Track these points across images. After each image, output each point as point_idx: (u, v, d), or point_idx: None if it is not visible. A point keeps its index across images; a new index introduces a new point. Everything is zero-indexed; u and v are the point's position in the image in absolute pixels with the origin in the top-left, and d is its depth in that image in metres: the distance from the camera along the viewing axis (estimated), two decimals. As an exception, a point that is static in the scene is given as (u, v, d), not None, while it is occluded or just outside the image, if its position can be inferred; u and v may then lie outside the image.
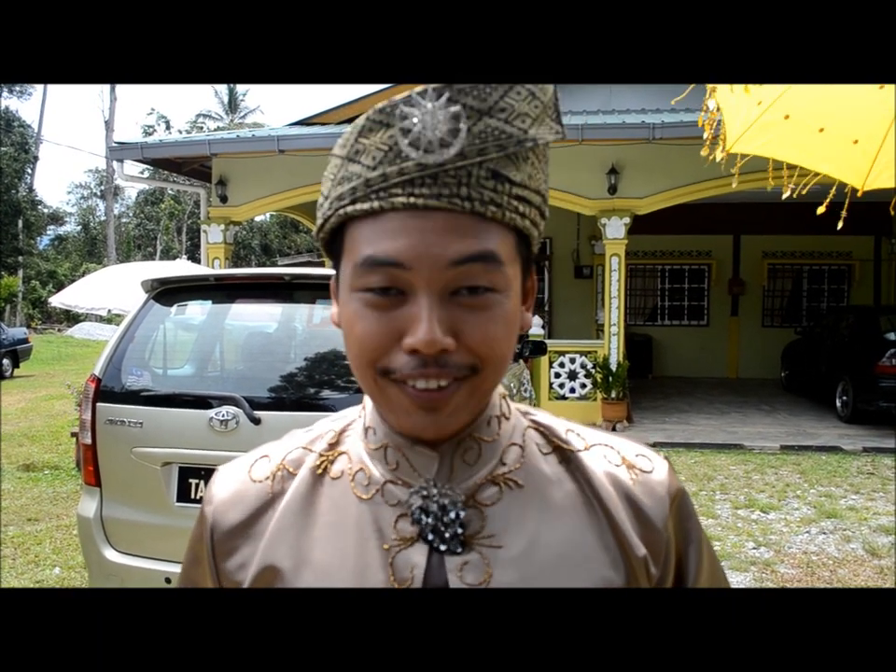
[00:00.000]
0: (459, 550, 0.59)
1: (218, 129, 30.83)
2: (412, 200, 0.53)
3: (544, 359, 8.05)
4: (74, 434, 6.19)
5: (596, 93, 10.00)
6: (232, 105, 35.63)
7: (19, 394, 11.49)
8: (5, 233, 26.01)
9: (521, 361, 5.12)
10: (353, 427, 0.66)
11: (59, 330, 25.73)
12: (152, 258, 31.20)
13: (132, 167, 9.97)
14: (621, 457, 0.65)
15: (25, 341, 14.49)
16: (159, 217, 33.26)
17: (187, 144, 9.08)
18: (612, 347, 8.13)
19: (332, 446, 0.66)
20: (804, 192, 2.02)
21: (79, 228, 37.11)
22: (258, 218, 27.39)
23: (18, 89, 28.83)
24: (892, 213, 1.96)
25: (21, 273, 28.06)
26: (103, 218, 34.42)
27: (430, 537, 0.59)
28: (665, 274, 12.53)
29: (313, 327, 2.96)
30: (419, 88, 0.53)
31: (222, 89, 35.55)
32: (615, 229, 8.09)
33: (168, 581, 2.64)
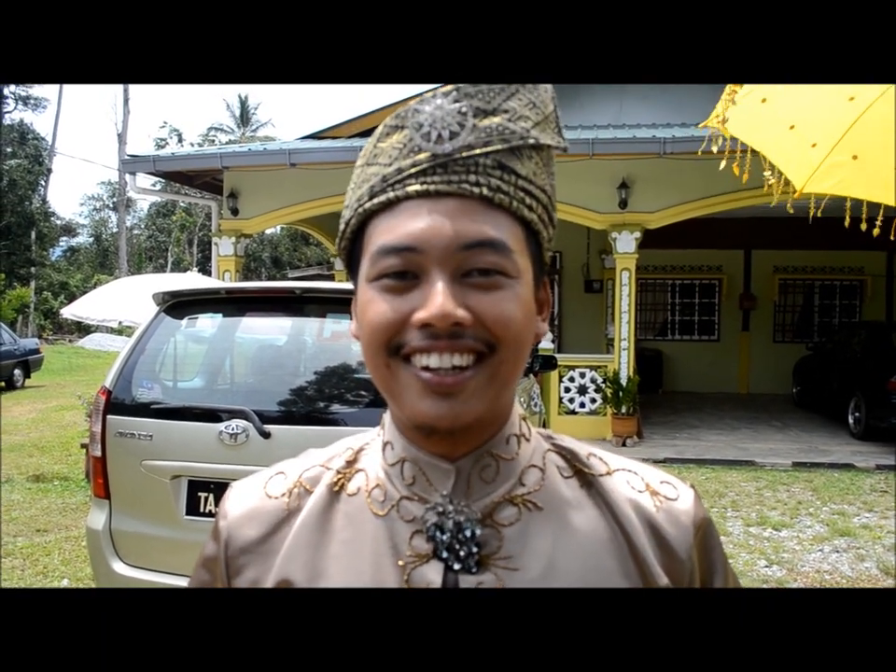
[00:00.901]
0: (474, 569, 0.59)
1: (230, 142, 31.15)
2: (424, 187, 0.56)
3: (554, 374, 8.02)
4: (84, 445, 6.21)
5: (607, 107, 10.04)
6: (244, 119, 36.01)
7: (30, 404, 11.55)
8: (18, 244, 26.29)
9: (531, 376, 5.11)
10: (371, 445, 0.67)
11: (70, 341, 25.92)
12: (163, 269, 31.46)
13: (144, 180, 10.06)
14: (645, 484, 0.64)
15: (37, 351, 14.59)
16: (170, 229, 33.58)
17: (199, 157, 9.16)
18: (622, 362, 8.10)
19: (350, 464, 0.66)
20: (818, 210, 2.03)
21: (91, 239, 37.54)
22: (268, 231, 27.56)
23: (32, 101, 29.26)
24: None
25: (33, 283, 28.33)
26: (115, 230, 34.77)
27: (445, 554, 0.59)
28: (676, 289, 12.50)
29: (323, 340, 2.97)
30: (430, 92, 0.56)
31: (234, 102, 35.97)
32: (626, 243, 8.08)
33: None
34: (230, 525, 0.66)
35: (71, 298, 23.80)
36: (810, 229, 11.21)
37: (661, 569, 0.61)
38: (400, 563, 0.59)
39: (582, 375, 8.35)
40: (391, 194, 0.57)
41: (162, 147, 30.87)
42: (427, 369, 0.55)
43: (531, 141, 0.58)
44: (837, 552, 4.66)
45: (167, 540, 2.73)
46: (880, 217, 1.84)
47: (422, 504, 0.61)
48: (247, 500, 0.66)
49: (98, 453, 2.81)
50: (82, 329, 26.40)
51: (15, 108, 28.63)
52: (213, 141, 33.39)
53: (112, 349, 19.34)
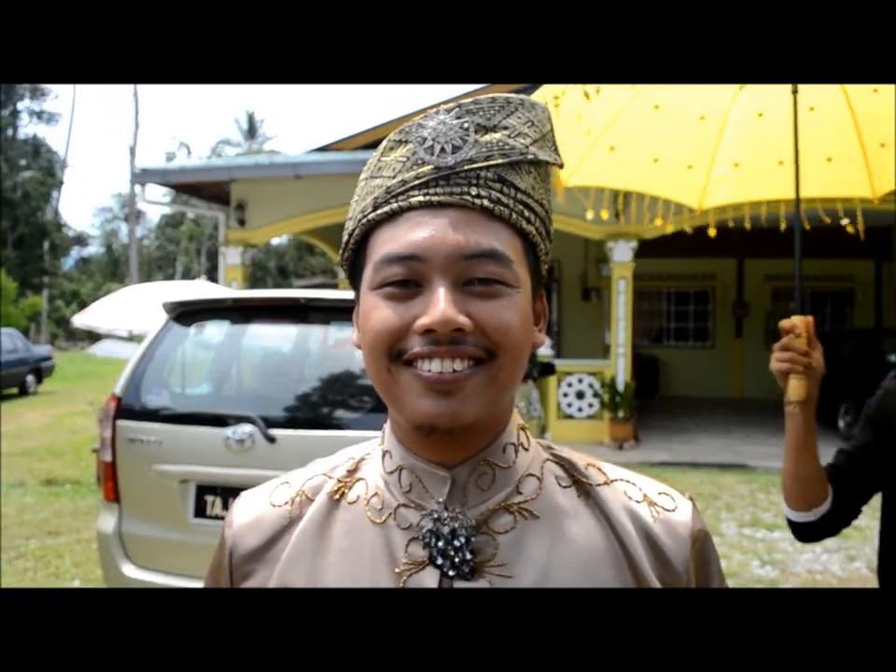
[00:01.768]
0: (469, 576, 0.59)
1: (237, 155, 31.41)
2: (427, 198, 0.57)
3: (552, 379, 8.13)
4: (95, 450, 6.31)
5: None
6: (251, 132, 36.30)
7: (42, 410, 11.61)
8: (31, 254, 26.57)
9: (529, 381, 5.21)
10: (372, 454, 0.67)
11: (82, 348, 26.11)
12: (172, 278, 31.70)
13: (153, 191, 10.26)
14: (643, 494, 0.64)
15: (49, 358, 14.73)
16: (179, 239, 33.83)
17: (207, 170, 9.30)
18: (619, 368, 8.21)
19: (351, 472, 0.67)
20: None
21: (103, 249, 37.87)
22: (274, 241, 27.74)
23: (46, 115, 29.62)
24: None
25: (46, 292, 28.59)
26: (125, 241, 35.07)
27: (440, 561, 0.59)
28: (671, 297, 12.62)
29: (327, 348, 3.01)
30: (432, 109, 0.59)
31: (242, 116, 36.27)
32: (622, 252, 8.20)
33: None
34: (234, 533, 0.67)
35: (82, 306, 24.00)
36: (802, 238, 11.31)
37: (657, 580, 0.60)
38: (397, 570, 0.60)
39: (580, 381, 8.46)
40: (395, 205, 0.58)
41: (171, 159, 31.19)
42: (427, 371, 0.56)
43: (530, 156, 0.59)
44: (828, 552, 4.74)
45: (175, 543, 2.78)
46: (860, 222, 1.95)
47: (418, 511, 0.61)
48: (252, 509, 0.67)
49: (108, 457, 2.87)
50: (93, 336, 26.62)
51: (29, 123, 29.00)
52: (220, 154, 33.67)
53: (122, 356, 19.49)
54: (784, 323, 1.33)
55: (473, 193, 0.57)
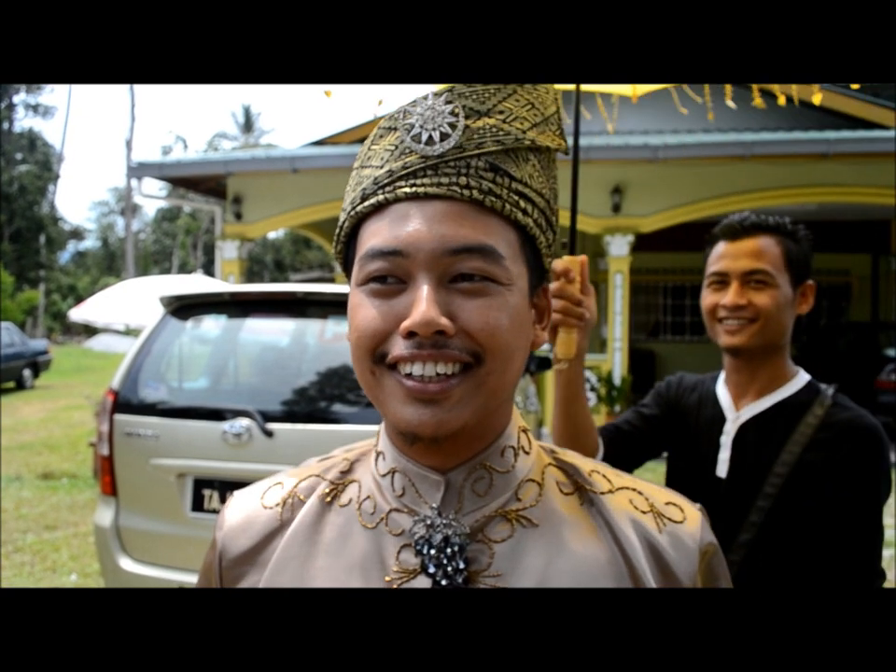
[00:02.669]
0: (462, 586, 0.56)
1: (234, 148, 31.34)
2: (414, 189, 0.54)
3: (550, 373, 8.16)
4: (92, 444, 6.32)
5: (600, 115, 10.17)
6: (248, 126, 36.22)
7: (39, 404, 11.61)
8: (27, 248, 26.55)
9: (527, 375, 5.23)
10: (366, 456, 0.65)
11: (78, 342, 26.12)
12: (169, 272, 31.71)
13: (150, 185, 10.25)
14: (649, 504, 0.61)
15: (45, 352, 14.76)
16: (175, 233, 33.79)
17: (204, 163, 9.25)
18: (616, 362, 8.22)
19: (344, 474, 0.64)
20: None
21: (99, 243, 37.83)
22: (271, 235, 27.72)
23: (42, 109, 29.53)
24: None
25: (42, 286, 28.56)
26: (122, 234, 35.03)
27: (432, 569, 0.56)
28: (668, 291, 12.65)
29: (324, 342, 3.02)
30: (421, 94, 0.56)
31: (238, 110, 36.23)
32: (619, 247, 8.22)
33: (182, 588, 2.73)
34: (224, 535, 0.64)
35: (79, 300, 24.03)
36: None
37: None
38: (387, 578, 0.57)
39: (577, 376, 8.49)
40: (381, 197, 0.55)
41: (168, 153, 31.13)
42: (410, 376, 0.54)
43: (526, 143, 0.56)
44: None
45: (173, 537, 2.79)
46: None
47: (411, 517, 0.58)
48: (243, 510, 0.65)
49: (106, 451, 2.87)
50: (90, 330, 26.63)
51: (25, 116, 28.93)
52: (216, 148, 33.63)
53: (119, 350, 19.50)
54: (557, 265, 1.13)
55: (462, 184, 0.54)
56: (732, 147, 7.79)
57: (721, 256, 1.31)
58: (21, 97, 29.09)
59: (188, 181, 9.57)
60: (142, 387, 2.99)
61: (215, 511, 2.76)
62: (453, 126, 0.54)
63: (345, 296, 3.03)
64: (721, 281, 1.30)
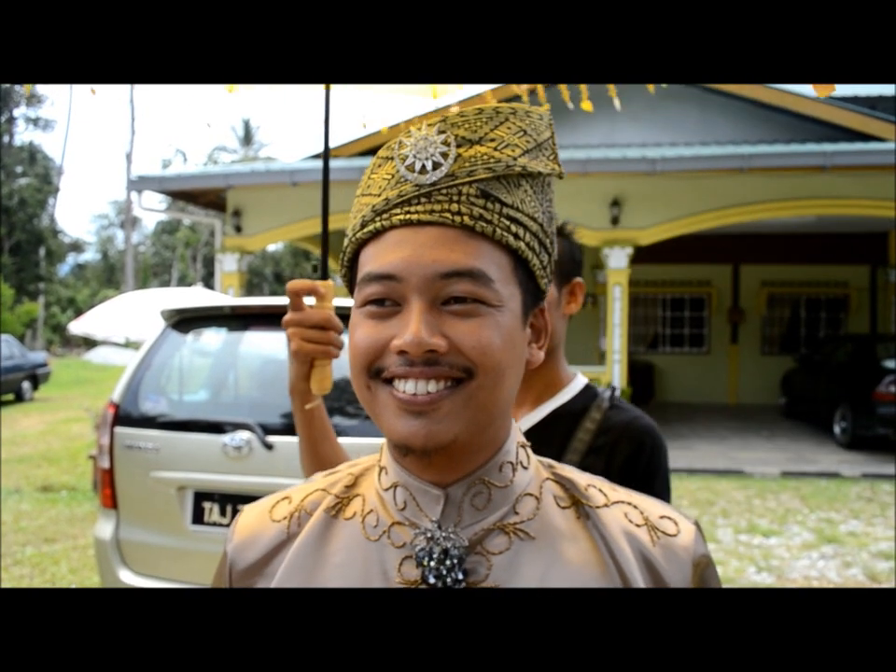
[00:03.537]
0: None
1: (233, 161, 31.52)
2: (408, 216, 0.57)
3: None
4: (91, 456, 6.31)
5: (598, 128, 10.26)
6: (248, 139, 36.43)
7: (38, 416, 11.59)
8: (27, 261, 26.63)
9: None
10: (370, 470, 0.67)
11: (78, 355, 26.12)
12: (168, 285, 31.80)
13: (150, 198, 10.30)
14: (643, 518, 0.62)
15: (44, 364, 14.75)
16: (175, 245, 33.90)
17: (204, 177, 9.28)
18: (615, 374, 8.22)
19: (349, 488, 0.67)
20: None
21: (99, 256, 37.95)
22: (270, 248, 27.80)
23: (42, 122, 29.72)
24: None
25: (41, 299, 28.60)
26: (121, 247, 35.15)
27: (432, 580, 0.58)
28: (667, 303, 12.68)
29: None
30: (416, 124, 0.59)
31: (238, 123, 36.47)
32: (618, 259, 8.25)
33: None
34: (234, 547, 0.67)
35: (78, 313, 24.11)
36: (797, 244, 11.45)
37: None
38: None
39: (576, 387, 8.50)
40: (378, 224, 0.58)
41: (167, 166, 31.30)
42: (403, 392, 0.56)
43: (517, 169, 0.58)
44: (824, 558, 4.76)
45: (173, 549, 2.78)
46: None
47: (413, 530, 0.60)
48: (252, 524, 0.67)
49: (106, 464, 2.88)
50: (89, 342, 26.66)
51: (25, 129, 29.13)
52: (216, 161, 33.82)
53: (118, 362, 19.50)
54: (290, 286, 0.97)
55: (454, 210, 0.56)
56: (730, 159, 7.84)
57: None
58: (21, 110, 29.29)
59: (188, 194, 9.60)
60: (142, 400, 3.00)
61: (215, 524, 2.75)
62: (444, 155, 0.57)
63: (345, 309, 3.06)
64: None
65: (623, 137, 10.25)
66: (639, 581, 0.59)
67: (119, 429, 2.90)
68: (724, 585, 0.66)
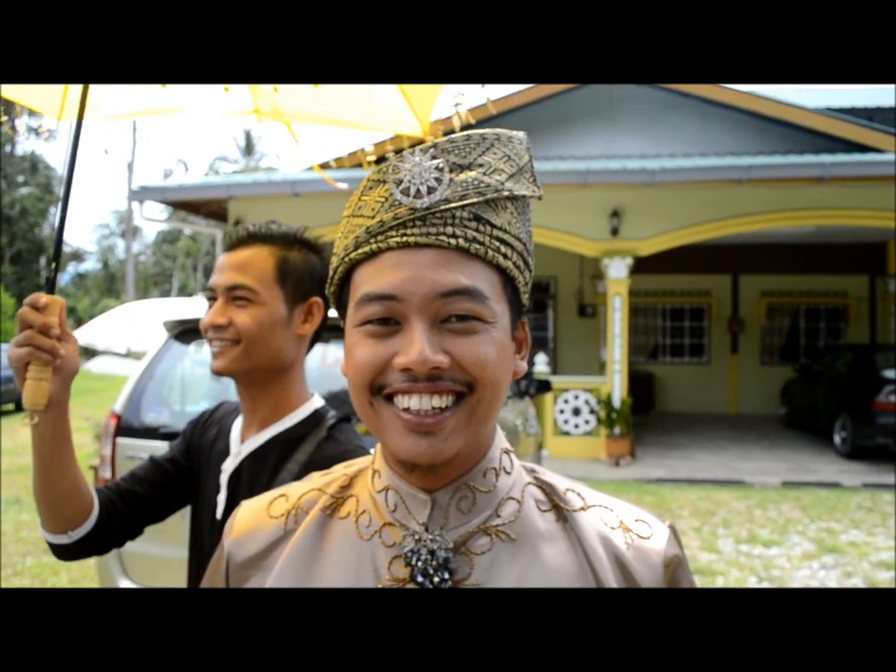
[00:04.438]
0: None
1: (235, 172, 31.66)
2: (404, 239, 0.59)
3: (549, 396, 8.17)
4: (93, 467, 6.30)
5: (598, 139, 10.33)
6: (249, 149, 36.59)
7: None
8: (28, 270, 26.70)
9: (527, 398, 5.22)
10: (364, 472, 0.70)
11: (78, 364, 26.08)
12: (168, 295, 31.86)
13: (151, 208, 10.32)
14: (619, 521, 0.65)
15: (45, 375, 14.73)
16: (175, 255, 33.98)
17: (206, 187, 9.29)
18: (615, 384, 8.24)
19: (344, 489, 0.70)
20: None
21: (100, 265, 38.03)
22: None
23: (44, 132, 29.82)
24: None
25: (42, 308, 28.58)
26: (122, 256, 35.23)
27: (420, 579, 0.62)
28: (667, 313, 12.71)
29: (326, 366, 3.04)
30: (408, 149, 0.61)
31: (239, 134, 36.63)
32: (617, 269, 8.28)
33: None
34: (232, 541, 0.70)
35: (79, 322, 24.13)
36: (796, 254, 11.48)
37: None
38: (379, 586, 0.63)
39: (577, 397, 8.50)
40: (374, 245, 0.60)
41: (169, 176, 31.44)
42: (407, 410, 0.58)
43: (505, 193, 0.61)
44: (825, 568, 4.76)
45: (174, 559, 2.67)
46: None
47: (402, 531, 0.64)
48: (250, 519, 0.71)
49: (108, 475, 2.90)
50: (89, 352, 26.64)
51: (27, 139, 29.27)
52: (217, 172, 33.95)
53: (119, 372, 19.47)
54: (29, 300, 0.96)
55: (449, 233, 0.59)
56: (728, 170, 7.88)
57: (215, 269, 1.19)
58: (23, 120, 29.43)
59: (190, 205, 9.63)
60: (144, 411, 3.01)
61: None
62: (439, 180, 0.59)
63: (335, 320, 3.02)
64: (213, 297, 1.16)
65: (622, 148, 10.31)
66: (612, 581, 0.62)
67: (121, 440, 2.91)
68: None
